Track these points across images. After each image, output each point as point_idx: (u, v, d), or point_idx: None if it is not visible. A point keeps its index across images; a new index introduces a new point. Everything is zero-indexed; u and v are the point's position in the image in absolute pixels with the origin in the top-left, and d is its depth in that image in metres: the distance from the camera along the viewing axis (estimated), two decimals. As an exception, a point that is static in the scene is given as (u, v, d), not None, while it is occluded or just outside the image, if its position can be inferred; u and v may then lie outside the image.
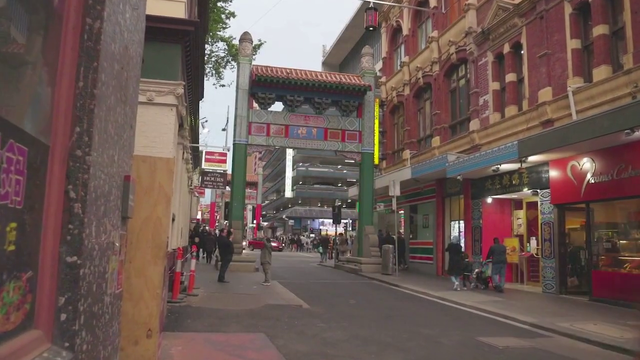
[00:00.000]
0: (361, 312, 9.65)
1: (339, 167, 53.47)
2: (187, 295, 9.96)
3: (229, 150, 18.32)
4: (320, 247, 28.58)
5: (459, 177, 15.00)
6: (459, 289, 12.66)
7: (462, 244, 16.20)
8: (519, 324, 8.69)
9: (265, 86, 19.16)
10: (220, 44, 25.31)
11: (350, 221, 46.05)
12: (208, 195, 52.26)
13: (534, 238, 14.67)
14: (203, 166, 15.50)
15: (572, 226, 12.93)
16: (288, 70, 19.62)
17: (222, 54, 26.07)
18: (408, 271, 19.17)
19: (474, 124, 16.23)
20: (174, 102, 7.75)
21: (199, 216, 52.52)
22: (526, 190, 13.73)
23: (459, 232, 17.24)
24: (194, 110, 12.44)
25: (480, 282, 13.33)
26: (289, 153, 52.96)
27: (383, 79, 24.27)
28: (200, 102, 19.05)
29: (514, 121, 14.29)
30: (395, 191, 17.00)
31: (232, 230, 15.60)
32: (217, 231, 24.55)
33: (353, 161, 51.93)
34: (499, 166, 13.26)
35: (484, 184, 15.44)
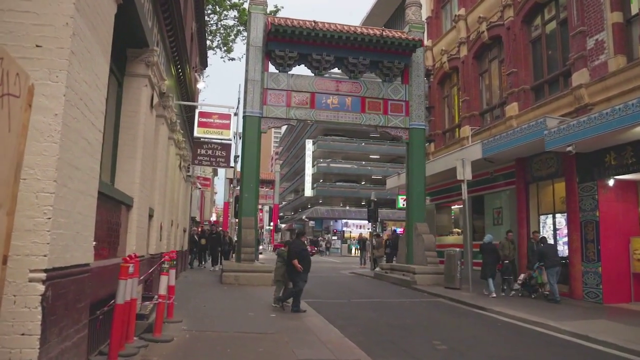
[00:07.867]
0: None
1: (363, 163, 48.57)
2: (149, 342, 5.44)
3: (236, 117, 13.60)
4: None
5: (569, 149, 10.23)
6: (495, 295, 11.11)
7: (567, 246, 11.55)
8: None
9: (284, 41, 14.66)
10: (229, 13, 21.21)
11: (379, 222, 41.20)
12: (221, 195, 47.92)
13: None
14: (196, 133, 10.73)
15: None
16: (313, 22, 15.07)
17: (232, 23, 21.92)
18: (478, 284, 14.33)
19: (580, 77, 11.43)
20: None
21: (213, 218, 48.24)
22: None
23: (555, 229, 12.44)
24: (175, 39, 7.97)
25: (529, 289, 11.32)
26: (309, 148, 48.36)
27: (429, 43, 19.53)
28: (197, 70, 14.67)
29: (658, 61, 9.51)
30: (466, 174, 12.32)
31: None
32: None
33: (378, 156, 47.61)
34: (651, 124, 8.51)
35: (602, 159, 10.65)
